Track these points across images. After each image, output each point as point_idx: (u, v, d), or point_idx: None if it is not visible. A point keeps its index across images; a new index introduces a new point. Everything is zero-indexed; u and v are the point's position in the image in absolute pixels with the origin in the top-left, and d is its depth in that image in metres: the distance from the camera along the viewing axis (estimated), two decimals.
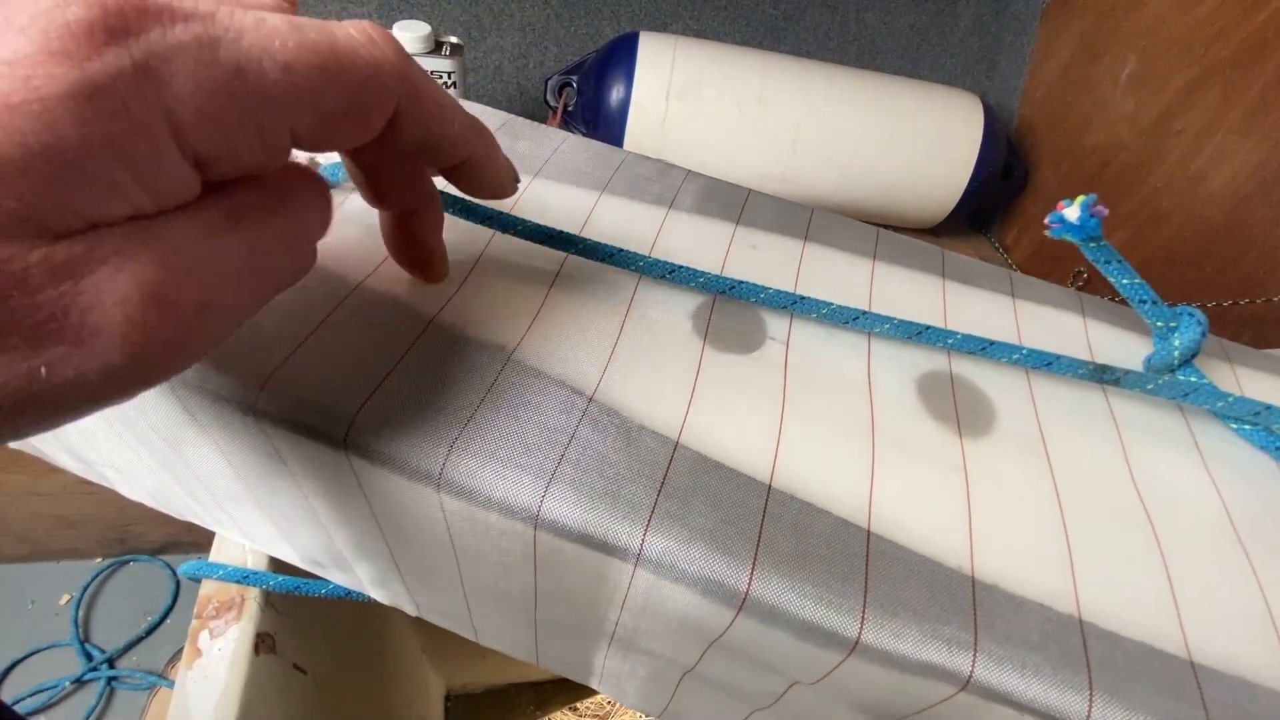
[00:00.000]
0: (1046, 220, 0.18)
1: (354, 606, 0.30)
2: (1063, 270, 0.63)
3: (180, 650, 0.40)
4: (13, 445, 0.17)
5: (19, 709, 0.60)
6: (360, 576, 0.23)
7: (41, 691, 0.62)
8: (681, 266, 0.19)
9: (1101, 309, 0.23)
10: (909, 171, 0.63)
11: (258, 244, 0.12)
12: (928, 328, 0.19)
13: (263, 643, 0.27)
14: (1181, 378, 0.20)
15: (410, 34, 0.53)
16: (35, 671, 0.64)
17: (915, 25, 0.73)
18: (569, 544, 0.15)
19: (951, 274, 0.23)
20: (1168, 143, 0.55)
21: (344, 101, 0.12)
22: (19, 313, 0.09)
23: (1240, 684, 0.14)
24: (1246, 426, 0.19)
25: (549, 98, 0.62)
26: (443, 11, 0.64)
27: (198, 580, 0.29)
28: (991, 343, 0.19)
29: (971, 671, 0.14)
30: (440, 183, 0.17)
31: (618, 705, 0.71)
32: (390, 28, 0.54)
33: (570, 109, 0.62)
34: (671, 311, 0.19)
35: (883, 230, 0.24)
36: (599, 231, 0.21)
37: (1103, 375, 0.19)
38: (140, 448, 0.20)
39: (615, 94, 0.58)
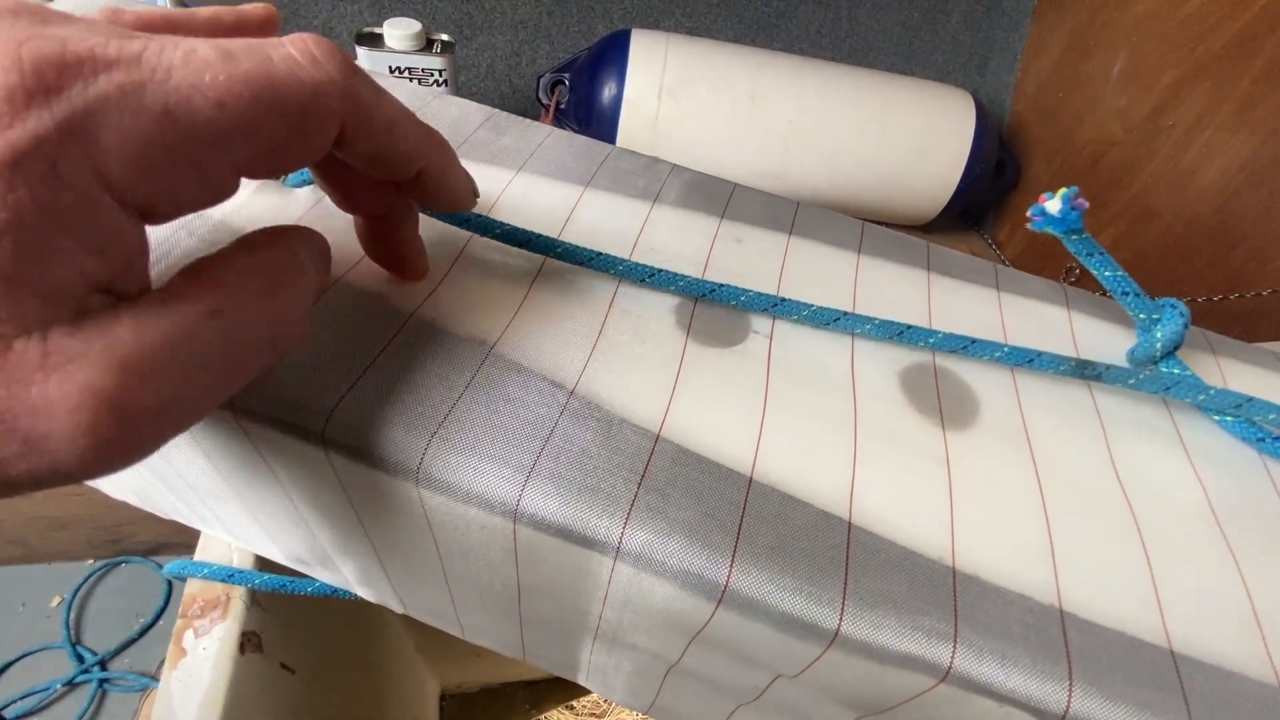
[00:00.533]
0: (1028, 213, 0.18)
1: (345, 605, 0.30)
2: (1055, 266, 0.63)
3: None
4: None
5: (10, 712, 0.60)
6: (346, 574, 0.23)
7: (33, 694, 0.62)
8: (661, 270, 0.19)
9: (1086, 302, 0.23)
10: (901, 168, 0.63)
11: (239, 333, 0.12)
12: (909, 327, 0.19)
13: (248, 642, 0.27)
14: (1164, 370, 0.20)
15: (400, 31, 0.53)
16: (27, 674, 0.63)
17: (907, 22, 0.73)
18: (549, 538, 0.15)
19: (936, 267, 0.23)
20: (1158, 138, 0.55)
21: (283, 129, 0.11)
22: None
23: (1220, 673, 0.14)
24: (1229, 419, 0.19)
25: (541, 95, 0.62)
26: (434, 9, 0.64)
27: (183, 579, 0.28)
28: (973, 341, 0.19)
29: (951, 662, 0.14)
30: None
31: (613, 703, 0.71)
32: (381, 25, 0.54)
33: (562, 107, 0.62)
34: (654, 305, 0.19)
35: (868, 224, 0.24)
36: (583, 226, 0.21)
37: (1084, 371, 0.19)
38: None
39: (607, 91, 0.58)
